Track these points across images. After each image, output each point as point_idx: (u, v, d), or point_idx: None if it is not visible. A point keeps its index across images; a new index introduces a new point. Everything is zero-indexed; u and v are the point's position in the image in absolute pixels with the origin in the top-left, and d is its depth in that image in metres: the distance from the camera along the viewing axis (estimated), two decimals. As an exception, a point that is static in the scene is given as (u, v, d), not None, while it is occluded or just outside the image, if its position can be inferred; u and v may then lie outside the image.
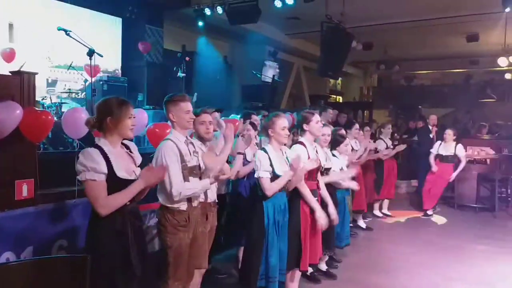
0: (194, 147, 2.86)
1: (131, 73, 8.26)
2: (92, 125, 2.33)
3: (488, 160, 7.59)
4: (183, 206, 2.72)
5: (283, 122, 3.18)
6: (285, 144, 3.28)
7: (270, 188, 3.04)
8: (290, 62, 13.71)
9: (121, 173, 2.26)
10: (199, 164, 2.83)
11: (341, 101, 17.36)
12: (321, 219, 3.28)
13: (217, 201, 3.37)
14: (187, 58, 8.42)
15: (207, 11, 8.51)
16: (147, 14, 8.59)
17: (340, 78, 16.41)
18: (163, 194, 2.71)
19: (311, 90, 14.87)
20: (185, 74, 7.94)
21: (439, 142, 7.06)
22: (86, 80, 6.97)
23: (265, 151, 3.14)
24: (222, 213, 4.01)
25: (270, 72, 10.46)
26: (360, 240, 5.70)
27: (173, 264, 2.70)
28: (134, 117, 2.37)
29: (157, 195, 2.76)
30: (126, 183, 2.26)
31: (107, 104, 2.31)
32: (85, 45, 5.11)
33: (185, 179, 2.68)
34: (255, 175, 3.14)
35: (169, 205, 2.70)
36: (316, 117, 3.47)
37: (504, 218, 7.02)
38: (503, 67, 12.00)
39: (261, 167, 3.07)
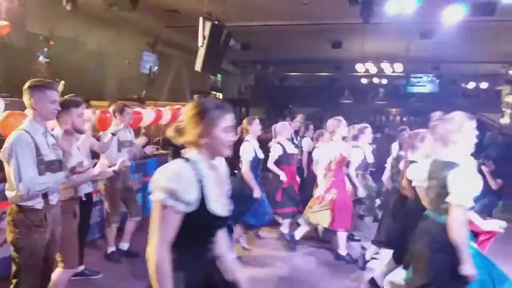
0: (54, 139, 2.65)
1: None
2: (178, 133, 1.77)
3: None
4: (38, 204, 2.47)
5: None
6: None
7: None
8: (170, 55, 13.49)
9: (214, 205, 1.68)
10: (59, 159, 2.62)
11: (221, 97, 17.72)
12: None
13: (84, 198, 3.25)
14: (51, 42, 7.70)
15: (78, -6, 7.88)
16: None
17: (220, 75, 16.72)
18: (12, 192, 2.43)
19: (193, 85, 14.86)
20: (49, 60, 7.26)
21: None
22: None
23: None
24: (90, 210, 3.86)
25: (148, 64, 10.19)
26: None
27: (25, 269, 2.45)
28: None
29: (5, 192, 2.48)
30: (217, 220, 1.73)
31: (200, 106, 1.74)
32: None
33: (41, 174, 2.45)
34: (452, 201, 2.40)
35: (22, 204, 2.43)
36: (473, 123, 2.55)
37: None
38: (360, 72, 13.60)
39: (466, 192, 2.38)
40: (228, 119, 1.72)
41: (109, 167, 3.62)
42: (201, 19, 8.19)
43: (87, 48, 9.70)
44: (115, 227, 4.42)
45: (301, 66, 16.64)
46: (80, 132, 3.21)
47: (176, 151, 1.91)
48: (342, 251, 4.74)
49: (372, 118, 17.87)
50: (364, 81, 16.28)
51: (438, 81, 16.79)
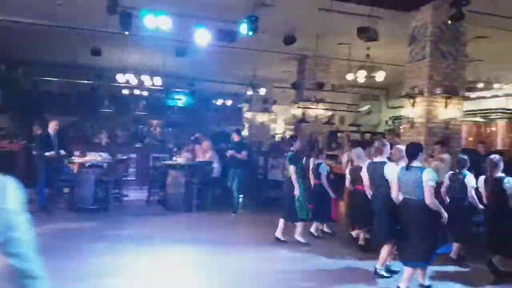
0: None
1: None
2: None
3: (104, 164, 8.42)
4: None
5: None
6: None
7: None
8: None
9: None
10: None
11: None
12: None
13: None
14: None
15: None
16: None
17: None
18: None
19: None
20: None
21: None
22: None
23: None
24: None
25: None
26: None
27: None
28: None
29: None
30: None
31: None
32: None
33: None
34: None
35: None
36: None
37: (118, 215, 7.94)
38: (121, 83, 13.53)
39: None
40: None
41: None
42: None
43: None
44: None
45: (58, 71, 15.26)
46: None
47: None
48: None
49: (134, 129, 18.09)
50: (125, 91, 16.23)
51: (192, 96, 18.40)
